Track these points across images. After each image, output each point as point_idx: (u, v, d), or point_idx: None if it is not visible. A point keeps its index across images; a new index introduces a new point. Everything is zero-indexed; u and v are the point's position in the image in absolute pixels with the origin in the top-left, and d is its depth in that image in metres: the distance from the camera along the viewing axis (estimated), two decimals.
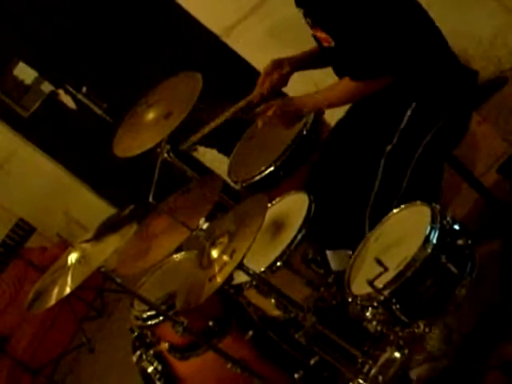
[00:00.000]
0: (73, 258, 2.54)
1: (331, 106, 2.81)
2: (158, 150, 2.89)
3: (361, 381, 2.49)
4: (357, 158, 2.78)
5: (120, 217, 2.74)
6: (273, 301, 2.64)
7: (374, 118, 2.79)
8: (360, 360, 2.52)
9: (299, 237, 2.67)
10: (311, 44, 2.96)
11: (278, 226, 2.80)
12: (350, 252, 2.61)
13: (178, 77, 3.02)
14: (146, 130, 2.89)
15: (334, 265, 2.74)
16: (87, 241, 2.61)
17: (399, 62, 2.68)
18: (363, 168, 2.75)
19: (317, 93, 2.85)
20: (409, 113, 2.72)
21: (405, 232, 2.45)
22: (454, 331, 2.45)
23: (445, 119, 2.76)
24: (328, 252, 2.76)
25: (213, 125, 2.95)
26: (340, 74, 2.94)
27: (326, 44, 2.79)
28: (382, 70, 2.67)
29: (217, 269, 2.35)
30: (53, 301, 2.45)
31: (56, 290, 2.48)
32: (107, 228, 2.69)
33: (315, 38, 2.86)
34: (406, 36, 2.69)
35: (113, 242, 2.54)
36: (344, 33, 2.68)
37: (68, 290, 2.43)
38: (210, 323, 2.85)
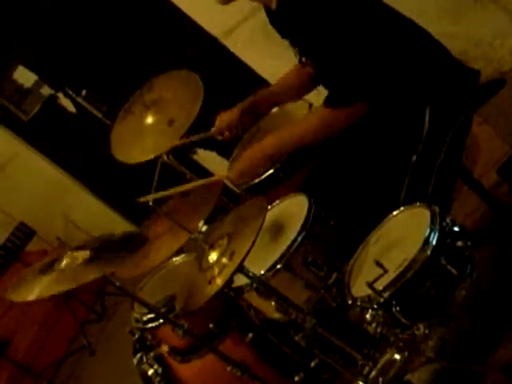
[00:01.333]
0: (63, 263, 2.54)
1: (302, 142, 2.63)
2: None
3: (361, 383, 2.48)
4: (381, 169, 2.76)
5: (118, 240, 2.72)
6: (273, 303, 2.63)
7: (391, 127, 2.76)
8: (360, 362, 2.52)
9: (299, 239, 2.67)
10: None
11: (277, 229, 2.80)
12: None
13: (175, 75, 3.00)
14: (148, 136, 2.88)
15: None
16: (81, 248, 2.60)
17: (376, 89, 2.61)
18: (388, 179, 2.74)
19: (284, 131, 2.69)
20: (427, 119, 2.71)
21: (404, 234, 2.45)
22: (448, 343, 2.45)
23: (459, 120, 2.75)
24: None
25: (178, 190, 2.84)
26: None
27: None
28: (359, 96, 2.60)
29: (216, 271, 2.36)
30: (30, 298, 2.45)
31: (37, 288, 2.48)
32: (102, 250, 2.64)
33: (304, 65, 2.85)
34: (393, 48, 2.64)
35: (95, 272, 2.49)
36: (323, 59, 2.64)
37: (33, 297, 2.43)
38: (211, 326, 2.85)
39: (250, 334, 2.85)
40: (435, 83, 2.74)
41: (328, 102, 2.64)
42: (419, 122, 2.71)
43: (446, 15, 3.59)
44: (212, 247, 2.46)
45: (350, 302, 2.43)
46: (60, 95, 5.13)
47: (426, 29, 2.80)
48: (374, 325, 2.36)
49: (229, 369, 2.61)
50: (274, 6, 2.73)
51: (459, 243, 2.36)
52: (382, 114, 2.67)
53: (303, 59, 2.78)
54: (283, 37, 2.81)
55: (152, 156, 2.82)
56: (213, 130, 2.88)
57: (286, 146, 2.64)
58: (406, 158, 2.71)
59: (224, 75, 4.44)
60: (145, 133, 2.90)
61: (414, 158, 2.69)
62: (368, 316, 2.36)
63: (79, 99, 5.05)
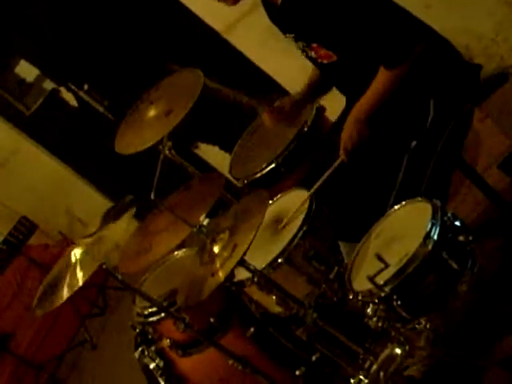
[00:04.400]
0: (77, 253, 2.55)
1: (377, 103, 2.75)
2: (160, 147, 2.89)
3: (362, 377, 2.49)
4: (379, 155, 2.77)
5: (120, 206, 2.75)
6: (274, 297, 2.64)
7: (395, 122, 2.77)
8: (361, 356, 2.52)
9: (300, 233, 2.68)
10: None
11: (279, 223, 2.80)
12: None
13: (180, 73, 3.02)
14: (147, 128, 2.90)
15: (347, 257, 2.74)
16: (89, 236, 2.62)
17: (420, 35, 2.67)
18: (386, 164, 2.74)
19: (362, 98, 2.78)
20: (431, 112, 2.71)
21: (406, 228, 2.45)
22: (441, 334, 2.45)
23: (459, 113, 2.76)
24: (342, 244, 2.76)
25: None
26: (344, 88, 2.92)
27: (325, 61, 2.78)
28: (411, 47, 2.64)
29: (218, 265, 2.36)
30: (65, 295, 2.46)
31: (65, 287, 2.49)
32: (109, 218, 2.70)
33: (311, 59, 2.84)
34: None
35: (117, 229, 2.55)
36: (354, 34, 2.64)
37: (81, 282, 2.44)
38: (212, 320, 2.86)
39: (252, 329, 2.86)
40: (440, 76, 2.75)
41: (387, 65, 2.67)
42: (423, 115, 2.72)
43: (449, 10, 3.59)
44: (214, 241, 2.47)
45: (351, 296, 2.43)
46: (62, 89, 5.14)
47: (429, 24, 2.80)
48: (375, 319, 2.36)
49: (230, 363, 2.62)
50: (278, 0, 2.74)
51: (460, 238, 2.36)
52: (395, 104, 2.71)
53: (312, 53, 2.78)
54: (287, 32, 2.81)
55: (149, 144, 2.81)
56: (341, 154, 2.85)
57: (370, 108, 2.76)
58: (406, 147, 2.71)
59: (226, 69, 4.43)
60: (145, 125, 2.90)
61: (414, 144, 2.70)
62: (369, 310, 2.36)
63: (81, 93, 5.05)
